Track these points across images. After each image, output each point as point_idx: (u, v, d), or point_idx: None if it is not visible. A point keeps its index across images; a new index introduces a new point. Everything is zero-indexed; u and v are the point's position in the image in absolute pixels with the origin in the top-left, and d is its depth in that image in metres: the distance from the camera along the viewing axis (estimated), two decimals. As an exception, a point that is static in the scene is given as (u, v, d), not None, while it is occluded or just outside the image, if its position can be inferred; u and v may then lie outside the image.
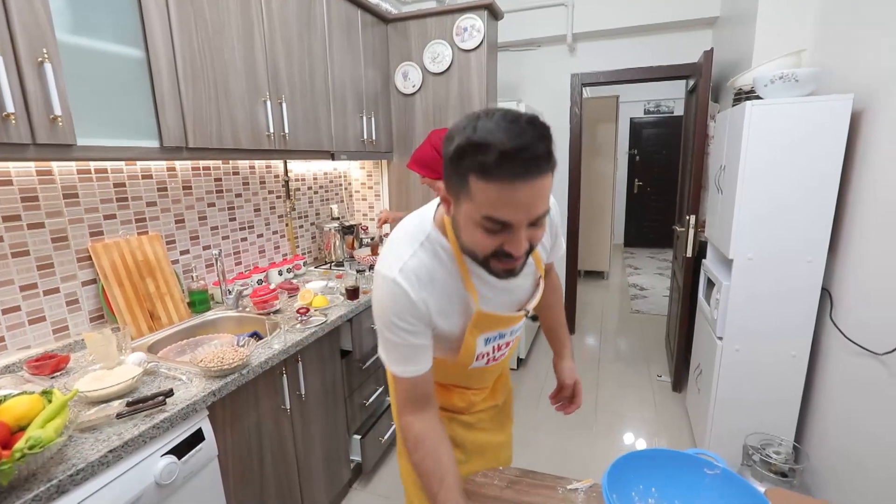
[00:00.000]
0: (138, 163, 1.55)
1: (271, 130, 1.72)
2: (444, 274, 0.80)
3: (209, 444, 1.13)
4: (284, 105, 1.78)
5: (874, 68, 1.51)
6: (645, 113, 6.30)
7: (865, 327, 1.49)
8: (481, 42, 2.35)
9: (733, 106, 1.89)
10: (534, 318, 1.00)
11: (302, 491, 1.60)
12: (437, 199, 0.83)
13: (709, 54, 2.26)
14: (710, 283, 2.07)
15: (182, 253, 1.75)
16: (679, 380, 2.75)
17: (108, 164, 1.46)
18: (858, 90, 1.56)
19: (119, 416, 1.00)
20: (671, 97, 6.04)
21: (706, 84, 2.27)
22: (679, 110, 5.93)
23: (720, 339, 1.88)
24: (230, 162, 1.94)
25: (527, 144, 0.59)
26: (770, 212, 1.70)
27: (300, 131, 1.90)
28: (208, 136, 1.47)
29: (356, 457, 1.93)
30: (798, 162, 1.63)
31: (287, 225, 2.30)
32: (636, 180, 6.45)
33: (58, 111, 1.03)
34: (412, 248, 0.79)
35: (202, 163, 1.80)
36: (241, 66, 1.59)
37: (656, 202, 6.36)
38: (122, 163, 1.51)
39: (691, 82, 2.80)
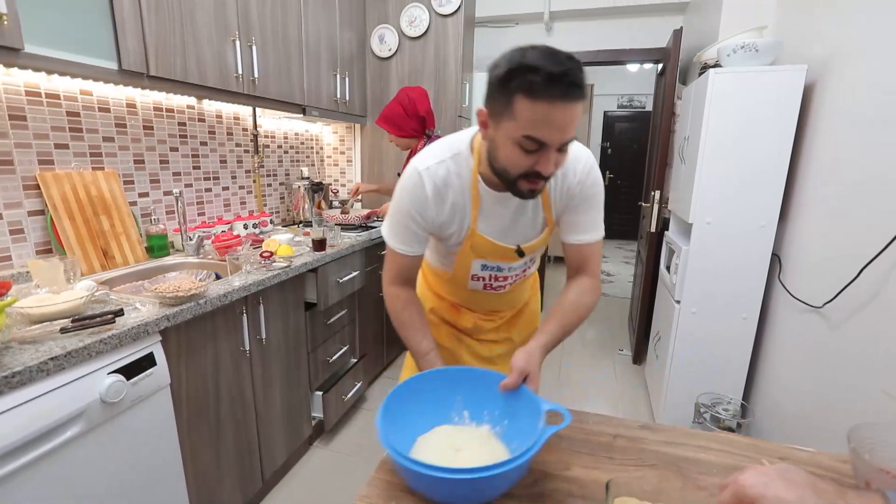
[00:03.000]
0: (95, 93, 1.48)
1: (240, 72, 1.67)
2: (458, 188, 0.88)
3: (161, 370, 1.10)
4: (255, 49, 1.74)
5: (825, 45, 1.60)
6: (618, 107, 6.45)
7: (808, 286, 1.58)
8: (459, 7, 2.35)
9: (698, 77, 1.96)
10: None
11: (260, 441, 1.57)
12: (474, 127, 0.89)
13: (678, 33, 2.33)
14: (671, 253, 2.14)
15: (141, 195, 1.69)
16: (639, 353, 2.84)
17: (61, 89, 1.39)
18: (812, 64, 1.65)
19: (63, 330, 0.96)
20: (644, 92, 6.20)
21: (675, 61, 2.34)
22: (651, 106, 6.09)
23: (678, 302, 1.96)
24: (195, 107, 1.87)
25: (569, 71, 0.67)
26: (728, 178, 1.77)
27: (271, 78, 1.85)
28: (172, 66, 1.42)
29: (318, 413, 1.91)
30: (755, 130, 1.71)
31: (255, 181, 2.25)
32: (608, 172, 6.59)
33: (3, 8, 0.97)
34: (443, 156, 0.87)
35: (165, 103, 1.74)
36: (208, 0, 1.54)
37: (627, 195, 6.52)
38: (77, 90, 1.43)
39: (661, 67, 2.88)
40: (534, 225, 0.94)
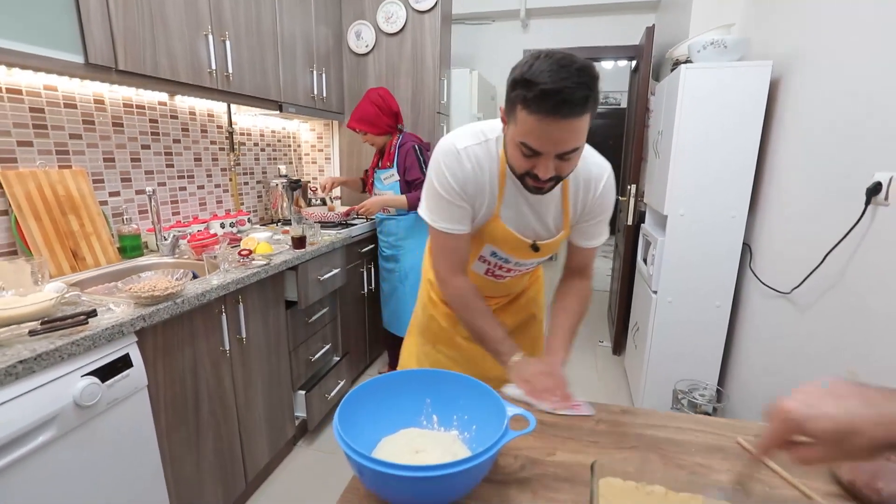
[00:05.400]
0: (60, 88, 1.43)
1: (213, 67, 1.64)
2: (489, 171, 0.91)
3: (138, 371, 1.07)
4: (228, 44, 1.70)
5: (788, 44, 1.66)
6: (594, 104, 6.55)
7: (777, 273, 1.64)
8: (436, 3, 2.35)
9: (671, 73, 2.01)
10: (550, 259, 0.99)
11: (243, 443, 1.54)
12: None
13: (650, 30, 2.38)
14: (647, 245, 2.20)
15: (112, 194, 1.63)
16: (619, 344, 2.90)
17: (23, 84, 1.33)
18: (777, 60, 1.71)
19: (32, 332, 0.92)
20: (618, 90, 6.32)
21: (648, 57, 2.40)
22: (626, 103, 6.20)
23: (655, 292, 2.01)
24: (167, 104, 1.82)
25: (565, 88, 0.68)
26: (700, 170, 1.83)
27: (245, 74, 1.82)
28: (142, 60, 1.38)
29: (301, 413, 1.89)
30: (725, 123, 1.76)
31: (231, 180, 2.20)
32: (585, 169, 6.70)
33: (-40, -3, 0.93)
34: (479, 139, 0.91)
35: (135, 99, 1.68)
36: (179, -7, 1.50)
37: (603, 191, 6.64)
38: (41, 86, 1.38)
39: (635, 63, 2.95)
40: (551, 225, 0.99)
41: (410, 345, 1.29)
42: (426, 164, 2.02)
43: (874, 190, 1.14)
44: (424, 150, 2.09)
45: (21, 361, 0.83)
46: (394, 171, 2.09)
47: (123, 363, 1.03)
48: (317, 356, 1.99)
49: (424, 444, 0.73)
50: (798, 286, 1.46)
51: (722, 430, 0.86)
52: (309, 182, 2.50)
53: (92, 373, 0.96)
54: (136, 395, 1.08)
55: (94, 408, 0.96)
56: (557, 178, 0.81)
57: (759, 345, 1.76)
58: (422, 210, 0.98)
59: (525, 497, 0.70)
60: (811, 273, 1.38)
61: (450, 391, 0.79)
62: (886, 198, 1.12)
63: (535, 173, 0.79)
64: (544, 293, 1.32)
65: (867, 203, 1.17)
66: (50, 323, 0.95)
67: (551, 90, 0.68)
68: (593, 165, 0.96)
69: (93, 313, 1.00)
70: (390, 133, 2.10)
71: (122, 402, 1.04)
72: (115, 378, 1.01)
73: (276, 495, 1.68)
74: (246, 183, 2.32)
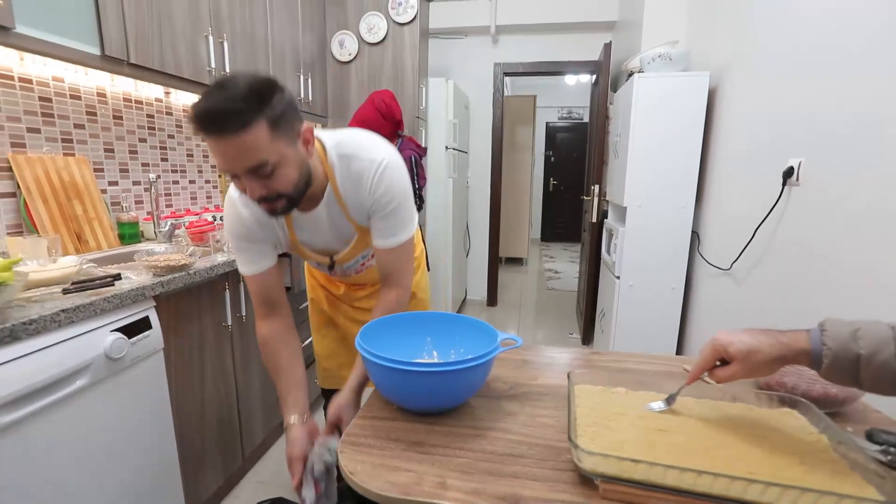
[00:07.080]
0: (66, 80, 1.51)
1: (213, 66, 1.75)
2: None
3: (156, 334, 1.16)
4: (226, 45, 1.82)
5: (722, 58, 1.95)
6: (559, 118, 6.94)
7: (718, 255, 1.89)
8: (415, 17, 2.55)
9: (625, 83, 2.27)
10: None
11: (241, 417, 1.62)
12: None
13: (608, 46, 2.67)
14: (611, 236, 2.43)
15: (111, 183, 1.70)
16: (587, 334, 3.11)
17: (34, 74, 1.41)
18: (713, 72, 1.99)
19: (65, 291, 1.01)
20: (581, 105, 6.73)
21: (606, 70, 2.67)
22: (588, 117, 6.61)
23: (618, 277, 2.23)
24: (163, 100, 1.91)
25: (210, 108, 0.69)
26: (653, 167, 2.07)
27: (240, 74, 1.94)
28: (150, 55, 1.48)
29: (292, 396, 1.96)
30: (673, 125, 2.02)
31: (220, 176, 2.28)
32: (551, 179, 7.05)
33: (1, -11, 1.02)
34: None
35: (134, 94, 1.77)
36: (183, -4, 1.62)
37: (569, 201, 7.00)
38: (49, 76, 1.46)
39: (595, 77, 3.24)
40: (344, 234, 0.99)
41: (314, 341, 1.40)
42: (420, 175, 2.14)
43: (788, 173, 1.39)
44: (421, 156, 2.19)
45: (63, 311, 0.92)
46: None
47: (144, 324, 1.12)
48: (305, 343, 2.07)
49: None
50: (735, 260, 1.70)
51: (672, 363, 1.04)
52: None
53: (118, 329, 1.05)
54: (155, 356, 1.17)
55: (120, 361, 1.04)
56: (285, 197, 0.80)
57: (706, 318, 2.00)
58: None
59: (514, 405, 0.85)
60: (745, 248, 1.62)
61: (447, 329, 0.94)
62: (798, 179, 1.37)
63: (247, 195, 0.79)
64: (427, 276, 1.38)
65: (783, 185, 1.41)
66: (80, 283, 1.04)
67: (201, 110, 0.69)
68: (362, 161, 0.90)
69: (118, 276, 1.09)
70: (389, 139, 2.14)
71: (143, 361, 1.12)
72: (138, 337, 1.10)
73: (272, 471, 1.75)
74: (233, 180, 2.41)
